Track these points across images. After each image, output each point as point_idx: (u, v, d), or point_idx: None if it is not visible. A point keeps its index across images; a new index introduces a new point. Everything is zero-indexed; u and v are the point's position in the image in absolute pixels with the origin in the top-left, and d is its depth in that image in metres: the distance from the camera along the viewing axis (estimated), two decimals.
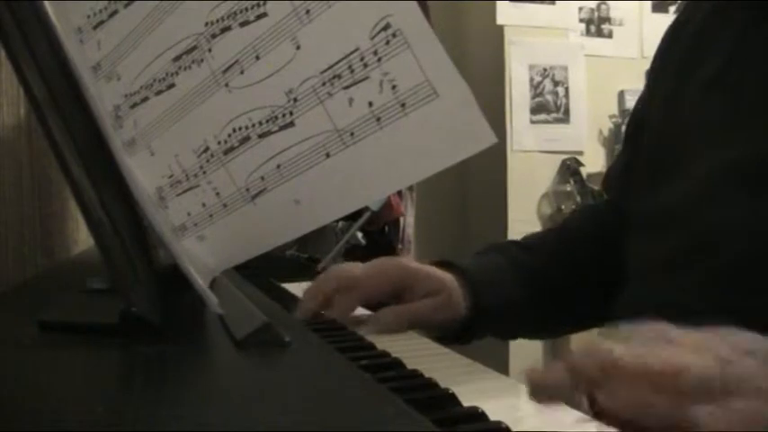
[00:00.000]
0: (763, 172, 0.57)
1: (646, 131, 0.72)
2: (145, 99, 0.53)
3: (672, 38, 0.73)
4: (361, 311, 0.73)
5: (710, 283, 0.58)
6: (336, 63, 0.46)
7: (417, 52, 0.43)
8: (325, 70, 0.46)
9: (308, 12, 0.46)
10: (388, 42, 0.43)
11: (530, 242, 0.80)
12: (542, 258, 0.77)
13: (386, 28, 0.43)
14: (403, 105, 0.44)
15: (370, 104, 0.45)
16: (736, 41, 0.62)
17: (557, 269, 0.77)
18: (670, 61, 0.71)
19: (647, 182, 0.69)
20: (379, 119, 0.45)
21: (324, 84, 0.46)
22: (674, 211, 0.64)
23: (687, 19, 0.71)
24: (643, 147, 0.72)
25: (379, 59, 0.44)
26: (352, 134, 0.46)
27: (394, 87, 0.44)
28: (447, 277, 0.69)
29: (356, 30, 0.44)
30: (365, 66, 0.45)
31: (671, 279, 0.62)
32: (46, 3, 0.51)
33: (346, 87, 0.45)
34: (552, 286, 0.76)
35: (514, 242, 0.81)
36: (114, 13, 0.52)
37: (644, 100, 0.77)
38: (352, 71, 0.45)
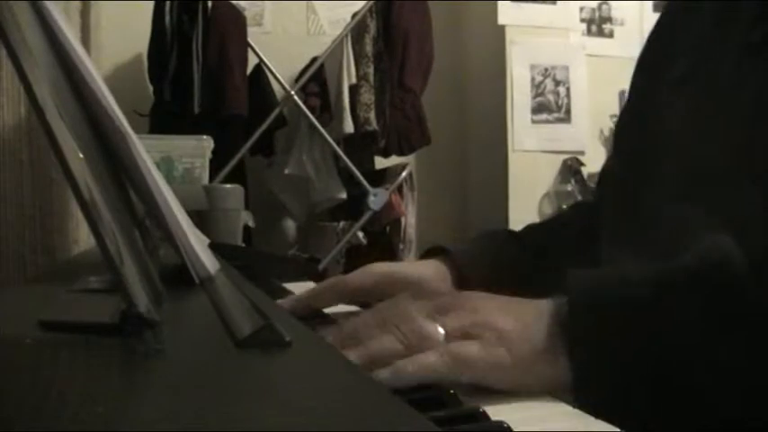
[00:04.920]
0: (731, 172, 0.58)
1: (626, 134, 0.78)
2: None
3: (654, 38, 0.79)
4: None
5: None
6: None
7: None
8: None
9: None
10: None
11: (520, 232, 0.87)
12: (525, 247, 0.83)
13: None
14: None
15: None
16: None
17: (533, 259, 0.82)
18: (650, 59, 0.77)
19: (627, 183, 0.72)
20: None
21: None
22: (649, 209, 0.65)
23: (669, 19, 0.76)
24: (624, 148, 0.77)
25: None
26: None
27: None
28: (427, 270, 0.77)
29: None
30: None
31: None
32: (47, 2, 0.51)
33: None
34: (524, 273, 0.80)
35: (508, 231, 0.88)
36: None
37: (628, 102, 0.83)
38: None
